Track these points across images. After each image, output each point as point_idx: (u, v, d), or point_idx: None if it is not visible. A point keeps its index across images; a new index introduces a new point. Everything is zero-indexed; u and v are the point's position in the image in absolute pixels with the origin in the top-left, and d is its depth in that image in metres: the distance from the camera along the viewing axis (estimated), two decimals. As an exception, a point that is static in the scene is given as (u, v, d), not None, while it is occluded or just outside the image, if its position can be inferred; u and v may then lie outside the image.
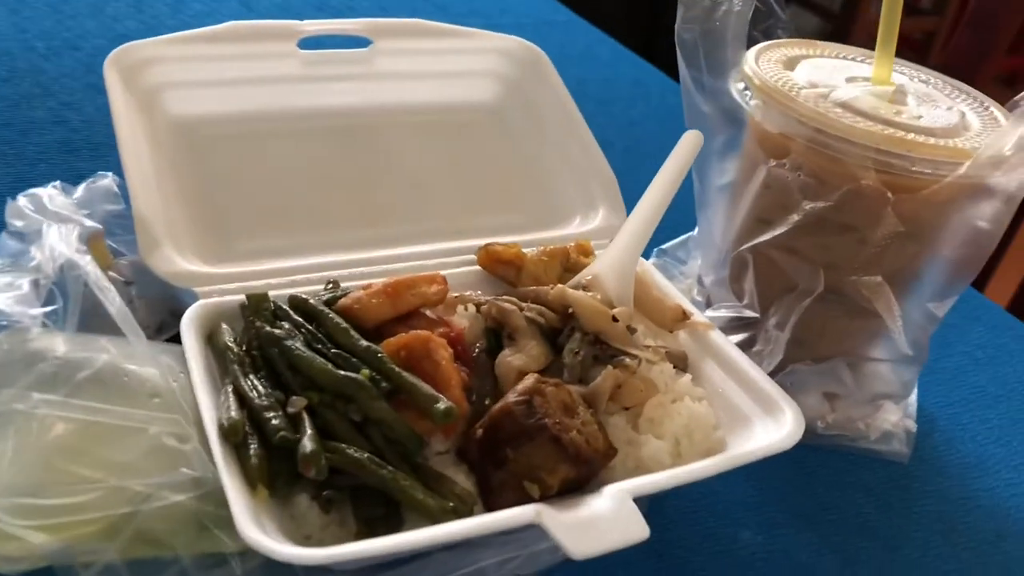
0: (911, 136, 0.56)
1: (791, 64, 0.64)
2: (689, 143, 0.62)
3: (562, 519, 0.47)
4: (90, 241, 0.60)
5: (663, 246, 0.77)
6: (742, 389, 0.59)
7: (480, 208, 0.74)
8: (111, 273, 0.60)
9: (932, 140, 0.56)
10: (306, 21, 0.76)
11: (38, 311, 0.47)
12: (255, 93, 0.74)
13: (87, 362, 0.46)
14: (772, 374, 0.63)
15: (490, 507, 0.51)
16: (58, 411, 0.45)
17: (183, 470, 0.46)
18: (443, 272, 0.64)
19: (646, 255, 0.78)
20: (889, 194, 0.56)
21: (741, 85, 0.62)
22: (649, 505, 0.58)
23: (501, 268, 0.65)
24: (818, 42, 0.68)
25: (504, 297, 0.60)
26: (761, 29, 0.69)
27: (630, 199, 0.69)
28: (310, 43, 0.76)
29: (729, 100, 0.63)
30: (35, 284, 0.48)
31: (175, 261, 0.60)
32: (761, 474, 0.65)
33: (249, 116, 0.73)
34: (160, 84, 0.70)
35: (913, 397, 0.72)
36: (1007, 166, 0.54)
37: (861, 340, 0.62)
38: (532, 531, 0.47)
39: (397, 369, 0.52)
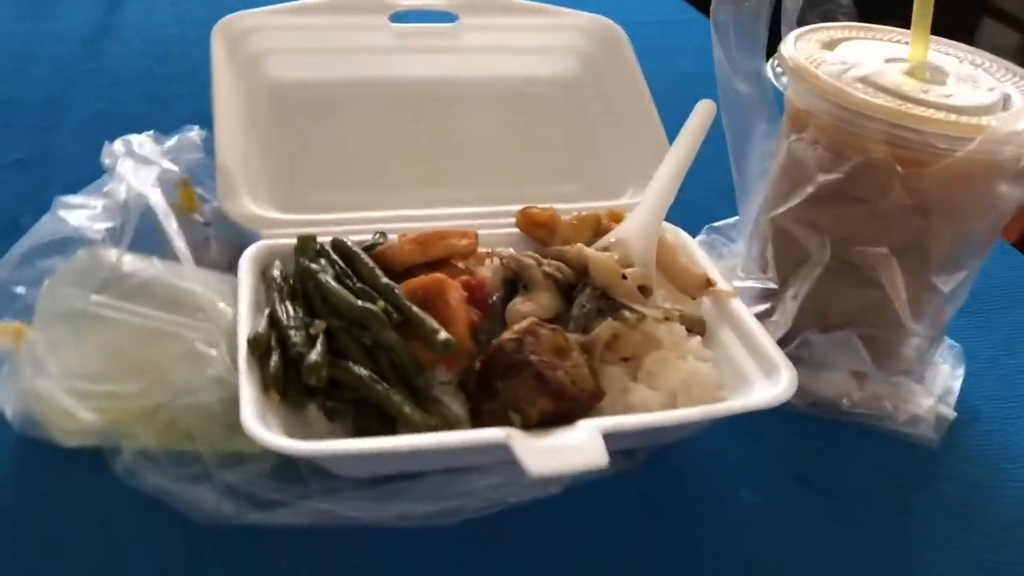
0: (928, 112, 0.56)
1: (831, 45, 0.65)
2: (701, 113, 0.64)
3: (529, 442, 0.51)
4: (179, 185, 0.70)
5: (715, 224, 0.79)
6: (750, 354, 0.61)
7: (540, 177, 0.79)
8: (194, 215, 0.70)
9: (949, 116, 0.56)
10: None
11: (101, 226, 0.56)
12: (346, 62, 0.81)
13: (135, 274, 0.55)
14: (785, 342, 0.65)
15: (478, 433, 0.56)
16: (108, 311, 0.54)
17: (209, 372, 0.54)
18: (486, 231, 0.70)
19: (695, 231, 0.81)
20: (898, 167, 0.56)
21: (776, 65, 0.64)
22: (650, 456, 0.62)
23: (536, 230, 0.70)
24: (874, 26, 0.69)
25: (528, 253, 0.65)
26: (819, 13, 0.70)
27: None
28: (401, 17, 0.83)
29: (766, 82, 0.65)
30: (106, 208, 0.57)
31: (247, 206, 0.69)
32: (774, 441, 0.66)
33: (338, 83, 0.81)
34: (260, 51, 0.79)
35: (956, 384, 0.71)
36: (1019, 143, 0.53)
37: (870, 311, 0.62)
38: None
39: (408, 303, 0.58)
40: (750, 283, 0.67)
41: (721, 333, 0.64)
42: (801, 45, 0.64)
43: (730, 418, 0.65)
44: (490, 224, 0.71)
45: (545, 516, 0.58)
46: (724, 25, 0.65)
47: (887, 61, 0.62)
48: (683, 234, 0.71)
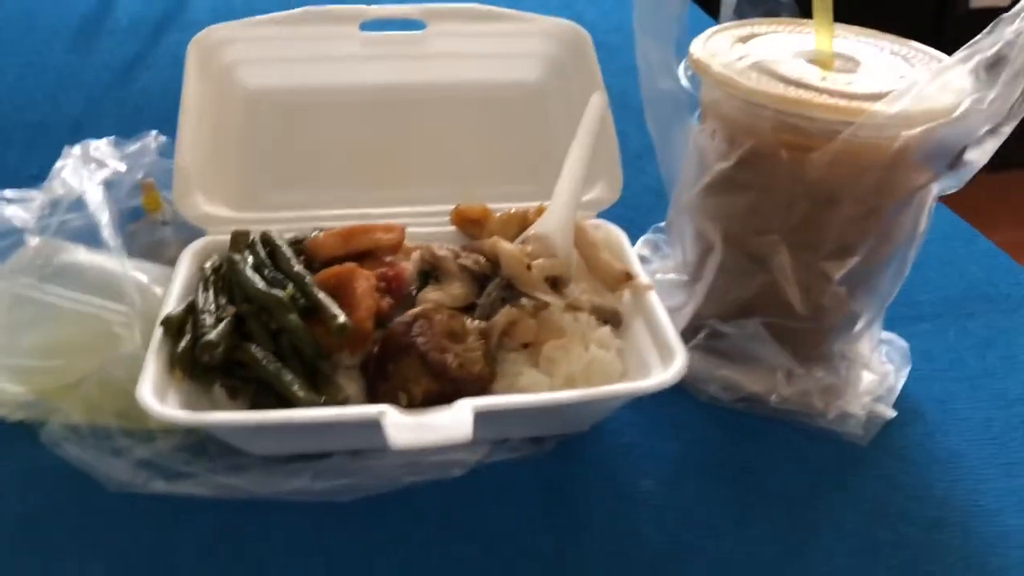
0: (816, 97, 0.56)
1: (746, 39, 0.66)
2: (593, 106, 0.66)
3: (401, 419, 0.54)
4: (143, 187, 0.75)
5: (660, 224, 0.80)
6: (654, 344, 0.62)
7: (500, 179, 0.81)
8: (154, 214, 0.75)
9: (838, 102, 0.56)
10: (370, 6, 0.84)
11: (36, 218, 0.62)
12: (316, 70, 0.84)
13: (64, 260, 0.60)
14: (693, 332, 0.65)
15: (371, 413, 0.58)
16: (36, 294, 0.59)
17: (121, 350, 0.58)
18: (427, 229, 0.73)
19: (641, 231, 0.82)
20: (783, 152, 0.56)
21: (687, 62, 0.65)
22: (558, 446, 0.63)
23: (469, 226, 0.72)
24: (801, 21, 0.69)
25: (448, 246, 0.67)
26: (761, 11, 0.71)
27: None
28: (371, 26, 0.86)
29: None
30: (41, 203, 0.63)
31: (200, 206, 0.74)
32: (693, 435, 0.66)
33: (308, 90, 0.84)
34: (233, 61, 0.82)
35: (899, 384, 0.69)
36: (891, 127, 0.53)
37: (765, 298, 0.61)
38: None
39: (314, 290, 0.61)
40: (671, 276, 0.68)
41: (634, 324, 0.65)
42: (714, 41, 0.65)
43: (650, 410, 0.66)
44: (434, 222, 0.74)
45: (443, 497, 0.60)
46: (645, 22, 0.66)
47: (797, 54, 0.63)
48: (615, 230, 0.72)
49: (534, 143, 0.84)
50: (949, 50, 0.58)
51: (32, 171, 0.94)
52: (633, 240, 0.75)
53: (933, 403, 0.70)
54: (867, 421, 0.66)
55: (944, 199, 0.63)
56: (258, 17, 0.84)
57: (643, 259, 0.76)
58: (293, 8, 0.86)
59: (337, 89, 0.85)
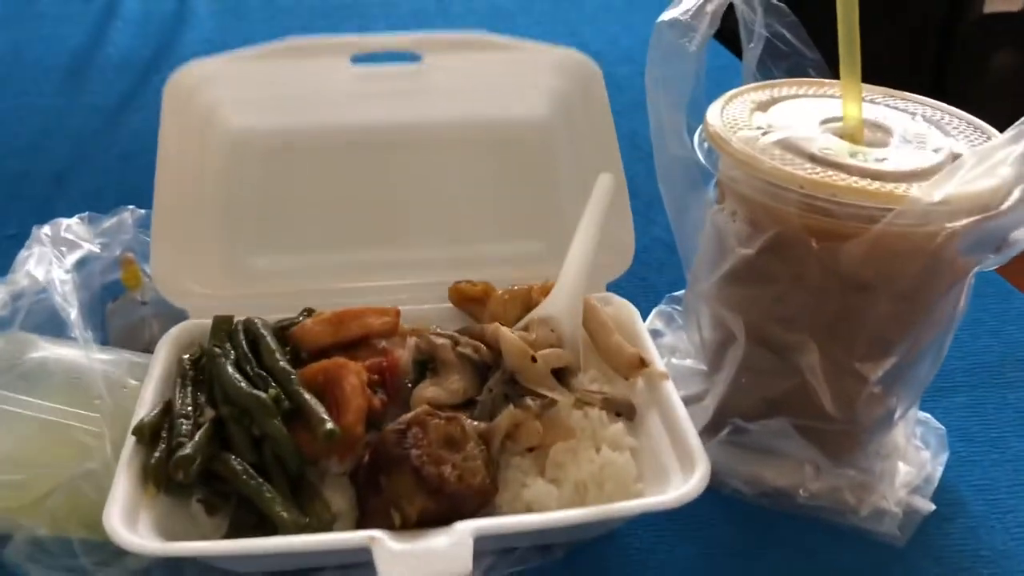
0: (847, 179, 0.51)
1: (766, 106, 0.60)
2: (603, 185, 0.61)
3: (393, 547, 0.49)
4: (123, 262, 0.70)
5: (675, 293, 0.74)
6: (672, 444, 0.57)
7: (501, 232, 0.75)
8: (132, 294, 0.70)
9: (871, 184, 0.51)
10: (360, 36, 0.77)
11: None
12: (305, 108, 0.77)
13: (31, 359, 0.56)
14: (714, 430, 0.60)
15: (362, 531, 0.53)
16: (-1, 403, 0.54)
17: (87, 464, 0.53)
18: (423, 307, 0.68)
19: (656, 290, 0.77)
20: (813, 242, 0.51)
21: (701, 131, 0.60)
22: (568, 554, 0.58)
23: (469, 305, 0.67)
24: (825, 81, 0.64)
25: (444, 332, 0.62)
26: (784, 68, 0.65)
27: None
28: (362, 59, 0.77)
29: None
30: (3, 297, 0.58)
31: (181, 281, 0.68)
32: (714, 536, 0.61)
33: (295, 131, 0.77)
34: (214, 101, 0.75)
35: (937, 472, 0.64)
36: (936, 215, 0.48)
37: (794, 399, 0.56)
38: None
39: (299, 390, 0.56)
40: (688, 362, 0.62)
41: (649, 419, 0.60)
42: (732, 107, 0.59)
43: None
44: (432, 296, 0.69)
45: (443, 617, 0.55)
46: (658, 77, 0.61)
47: (824, 122, 0.57)
48: (627, 306, 0.67)
49: (540, 188, 0.77)
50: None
51: (9, 231, 0.90)
52: (645, 308, 0.70)
53: (974, 492, 0.64)
54: (904, 518, 0.60)
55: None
56: (239, 51, 0.75)
57: (657, 333, 0.71)
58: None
59: (326, 131, 0.77)
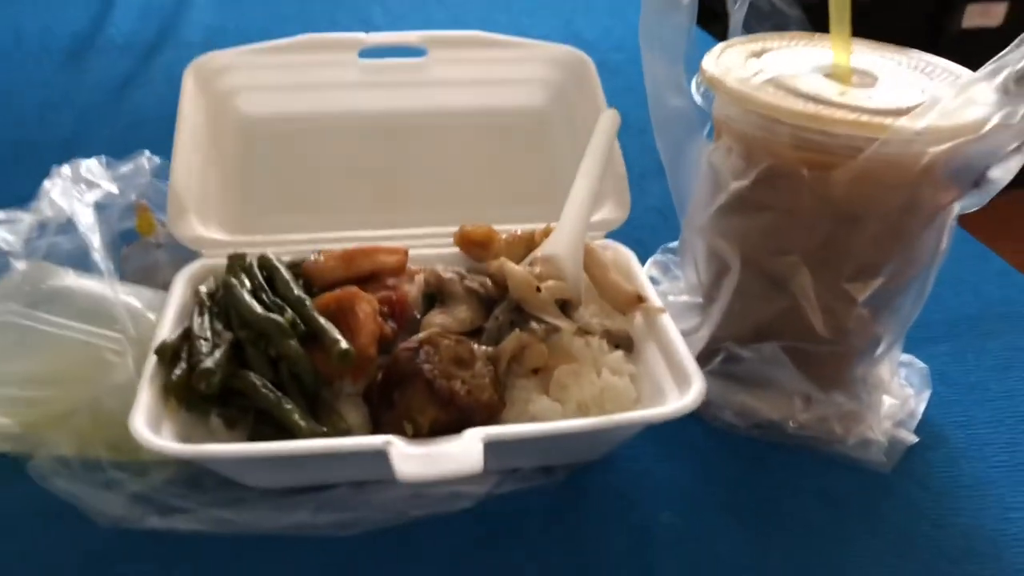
0: (836, 112, 0.54)
1: (759, 54, 0.64)
2: (607, 121, 0.64)
3: (408, 449, 0.51)
4: (137, 209, 0.73)
5: (669, 244, 0.78)
6: (668, 368, 0.60)
7: (504, 200, 0.79)
8: (148, 237, 0.73)
9: (860, 117, 0.54)
10: (370, 34, 0.84)
11: (23, 241, 0.59)
12: (315, 97, 0.83)
13: (53, 286, 0.58)
14: (709, 356, 0.63)
15: (376, 444, 0.56)
16: (23, 320, 0.56)
17: (112, 380, 0.56)
18: (430, 251, 0.70)
19: (651, 251, 0.80)
20: (805, 170, 0.54)
21: (699, 77, 0.63)
22: (569, 475, 0.61)
23: (473, 248, 0.69)
24: (813, 35, 0.67)
25: (453, 268, 0.65)
26: (769, 25, 0.69)
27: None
28: (370, 53, 0.84)
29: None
30: (30, 224, 0.60)
31: (196, 228, 0.71)
32: (708, 463, 0.64)
33: (306, 117, 0.83)
34: (231, 88, 0.81)
35: (920, 408, 0.67)
36: (917, 143, 0.51)
37: (786, 321, 0.59)
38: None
39: (314, 315, 0.59)
40: (683, 298, 0.65)
41: (647, 349, 0.63)
42: (726, 56, 0.63)
43: (663, 436, 0.64)
44: (435, 245, 0.72)
45: (451, 531, 0.58)
46: (651, 38, 0.64)
47: (813, 68, 0.61)
48: (625, 251, 0.70)
49: (538, 167, 0.83)
50: None
51: (20, 191, 0.91)
52: (641, 262, 0.73)
53: (955, 427, 0.68)
54: (889, 447, 0.63)
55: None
56: (257, 45, 0.82)
57: (653, 280, 0.74)
58: (286, 31, 0.85)
59: (336, 116, 0.83)
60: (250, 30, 1.37)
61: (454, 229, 0.72)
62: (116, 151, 1.02)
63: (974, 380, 0.72)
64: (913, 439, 0.65)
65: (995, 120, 0.51)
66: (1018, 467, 0.64)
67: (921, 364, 0.70)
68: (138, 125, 1.09)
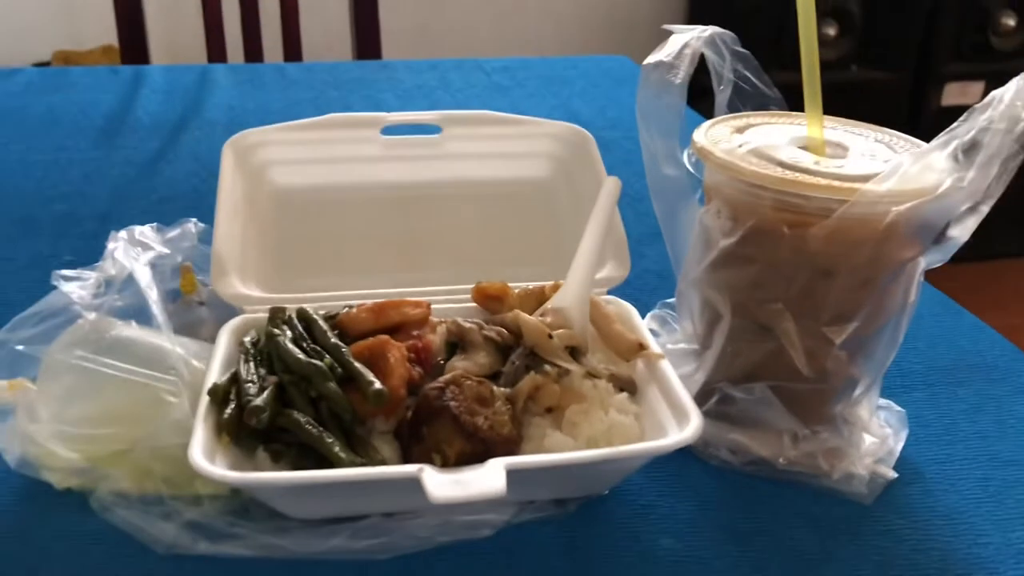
0: (812, 179, 0.62)
1: (743, 129, 0.72)
2: (610, 186, 0.72)
3: (438, 476, 0.57)
4: (181, 270, 0.80)
5: (667, 300, 0.85)
6: (669, 408, 0.66)
7: (512, 262, 0.86)
8: (191, 295, 0.80)
9: (827, 182, 0.62)
10: (390, 113, 0.93)
11: (91, 295, 0.66)
12: (341, 170, 0.92)
13: (116, 334, 0.65)
14: (705, 397, 0.69)
15: (407, 475, 0.62)
16: (89, 364, 0.63)
17: (169, 418, 0.62)
18: (447, 306, 0.78)
19: (649, 309, 0.87)
20: (785, 229, 0.62)
21: (690, 150, 0.71)
22: (580, 507, 0.67)
23: (489, 302, 0.77)
24: (791, 113, 0.75)
25: (473, 320, 0.72)
26: (752, 105, 0.77)
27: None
28: (391, 130, 0.93)
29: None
30: (96, 281, 0.68)
31: (236, 287, 0.78)
32: (706, 496, 0.69)
33: (332, 187, 0.91)
34: (264, 162, 0.90)
35: (899, 447, 0.73)
36: (882, 204, 0.59)
37: (771, 362, 0.66)
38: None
39: (350, 360, 0.66)
40: (681, 346, 0.72)
41: (649, 391, 0.69)
42: (714, 130, 0.71)
43: (665, 474, 0.70)
44: (454, 300, 0.79)
45: (474, 555, 0.63)
46: (648, 117, 0.72)
47: (790, 141, 0.69)
48: (625, 305, 0.77)
49: (543, 233, 0.91)
50: (926, 141, 0.64)
51: (64, 258, 0.99)
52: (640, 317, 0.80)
53: (931, 464, 0.74)
54: (871, 481, 0.69)
55: (935, 283, 0.68)
56: (287, 123, 0.92)
57: (652, 332, 0.81)
58: (304, 112, 0.94)
59: (360, 186, 0.92)
60: (270, 111, 1.46)
61: (470, 286, 0.80)
62: (152, 220, 1.10)
63: (948, 422, 0.79)
64: (892, 475, 0.71)
65: (948, 183, 0.59)
66: (990, 499, 0.70)
67: (898, 408, 0.77)
68: (169, 199, 1.17)
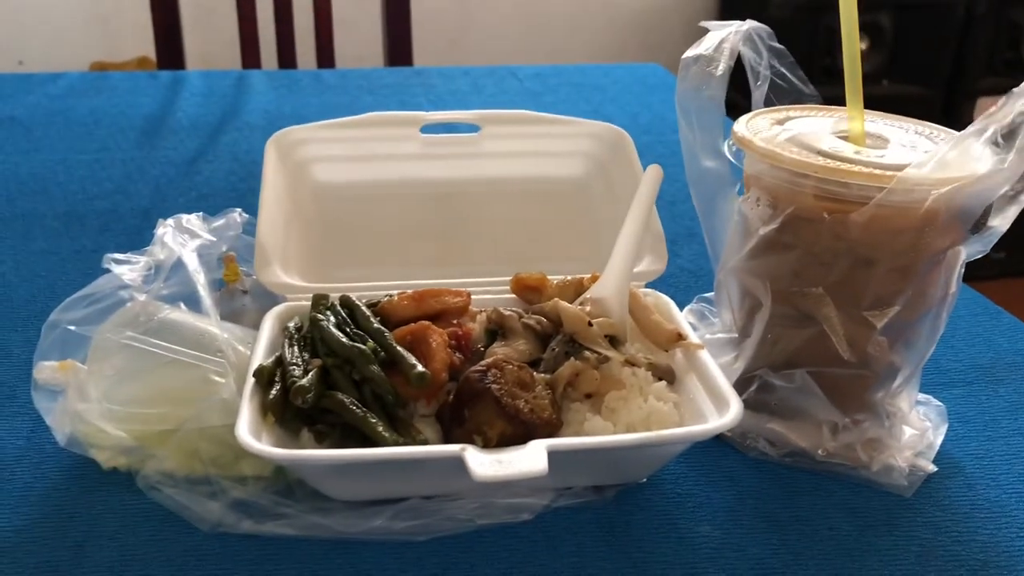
0: (849, 166, 0.63)
1: (783, 121, 0.72)
2: (651, 176, 0.73)
3: (481, 455, 0.58)
4: (225, 260, 0.82)
5: (705, 295, 0.85)
6: (708, 396, 0.67)
7: (548, 259, 0.87)
8: (234, 284, 0.81)
9: (868, 170, 0.62)
10: (430, 112, 0.95)
11: (141, 279, 0.68)
12: (381, 167, 0.93)
13: (165, 317, 0.66)
14: (745, 385, 0.69)
15: (448, 457, 0.62)
16: (138, 344, 0.64)
17: (216, 397, 0.63)
18: (487, 296, 0.78)
19: (685, 305, 0.87)
20: (825, 215, 0.62)
21: (731, 141, 0.72)
22: (618, 494, 0.67)
23: (527, 293, 0.77)
24: (834, 107, 0.76)
25: (513, 308, 0.73)
26: (787, 103, 0.77)
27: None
28: (430, 129, 0.95)
29: (727, 158, 0.73)
30: (146, 264, 0.69)
31: (279, 276, 0.79)
32: (744, 486, 0.69)
33: (373, 184, 0.92)
34: (307, 159, 0.91)
35: (938, 441, 0.73)
36: (920, 191, 0.59)
37: (812, 347, 0.66)
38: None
39: (393, 344, 0.67)
40: (719, 335, 0.73)
41: (688, 380, 0.69)
42: (754, 122, 0.71)
43: (703, 464, 0.70)
44: (493, 290, 0.80)
45: (513, 538, 0.64)
46: (687, 110, 0.73)
47: (831, 132, 0.69)
48: (664, 297, 0.77)
49: (580, 230, 0.92)
50: None
51: (107, 251, 1.01)
52: (677, 313, 0.81)
53: (971, 459, 0.73)
54: (910, 473, 0.69)
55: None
56: (328, 121, 0.93)
57: (691, 325, 0.81)
58: (338, 114, 0.96)
59: (400, 183, 0.93)
60: (306, 115, 1.48)
61: (508, 278, 0.80)
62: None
63: (988, 419, 0.78)
64: (932, 468, 0.71)
65: (987, 167, 0.59)
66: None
67: (938, 403, 0.76)
68: (208, 197, 1.19)
